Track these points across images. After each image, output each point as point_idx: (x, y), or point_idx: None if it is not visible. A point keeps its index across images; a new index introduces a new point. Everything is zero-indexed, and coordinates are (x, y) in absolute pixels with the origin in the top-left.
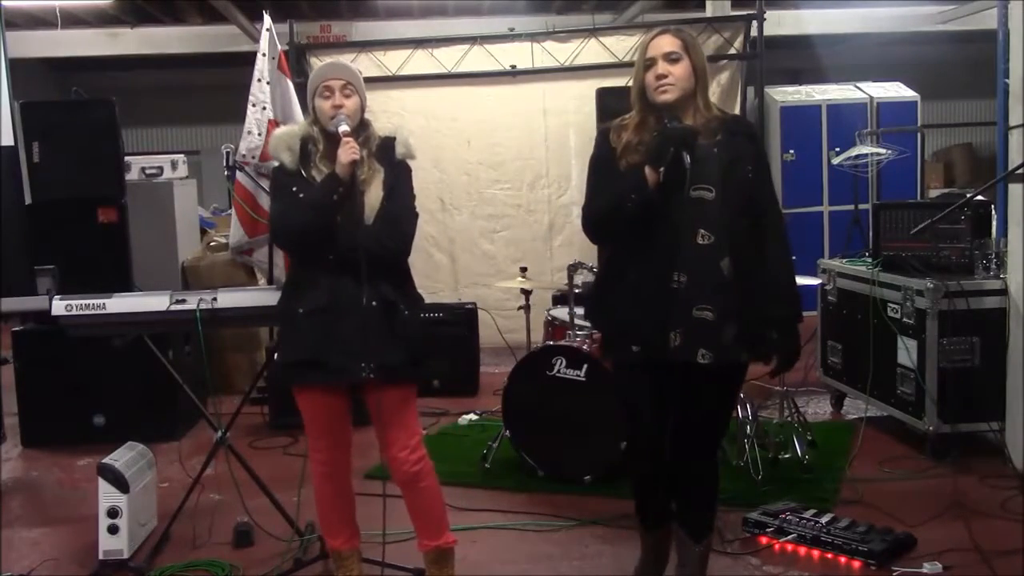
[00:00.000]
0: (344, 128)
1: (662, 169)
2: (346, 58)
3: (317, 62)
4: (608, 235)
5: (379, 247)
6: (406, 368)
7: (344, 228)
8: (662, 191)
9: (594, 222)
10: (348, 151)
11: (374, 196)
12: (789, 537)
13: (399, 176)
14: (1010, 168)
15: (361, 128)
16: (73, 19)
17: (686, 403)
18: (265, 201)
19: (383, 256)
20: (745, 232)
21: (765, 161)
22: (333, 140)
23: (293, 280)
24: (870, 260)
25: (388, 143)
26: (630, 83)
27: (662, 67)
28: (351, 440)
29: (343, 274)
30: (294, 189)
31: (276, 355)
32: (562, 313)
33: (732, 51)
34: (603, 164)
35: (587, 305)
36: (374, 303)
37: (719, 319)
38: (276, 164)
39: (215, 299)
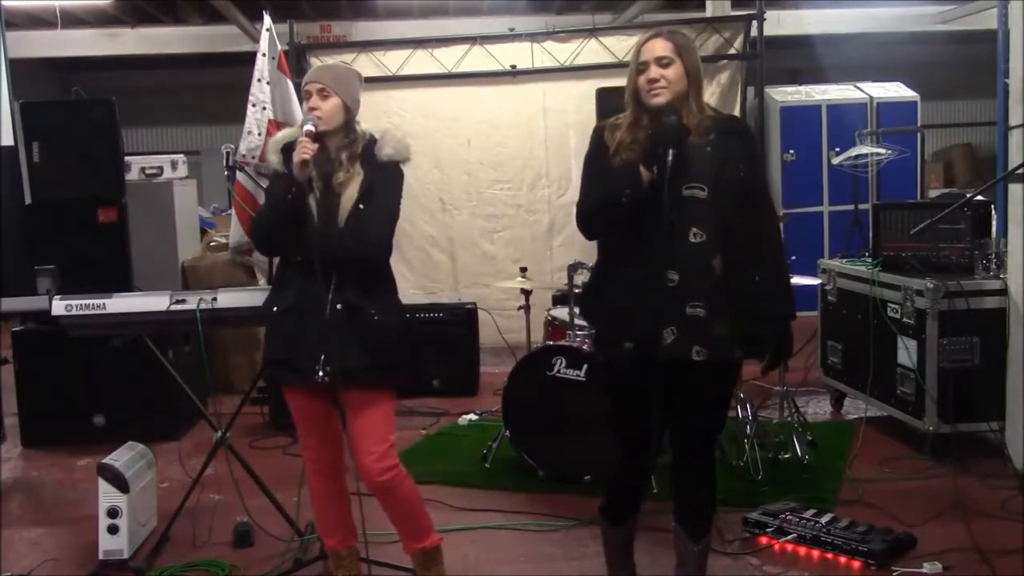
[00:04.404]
0: (308, 128)
1: (655, 167)
2: (346, 58)
3: (317, 62)
4: (601, 230)
5: (342, 250)
6: (368, 373)
7: (317, 230)
8: (654, 188)
9: (588, 217)
10: (299, 151)
11: (348, 199)
12: (789, 537)
13: (382, 178)
14: (1010, 168)
15: (345, 131)
16: (73, 19)
17: (681, 402)
18: None
19: (347, 260)
20: (737, 230)
21: (758, 161)
22: (317, 142)
23: (275, 279)
24: (870, 260)
25: (372, 145)
26: None
27: (654, 71)
28: (341, 438)
29: (312, 276)
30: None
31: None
32: (562, 313)
33: (732, 51)
34: (597, 161)
35: (582, 301)
36: (339, 306)
37: (711, 316)
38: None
39: (215, 299)
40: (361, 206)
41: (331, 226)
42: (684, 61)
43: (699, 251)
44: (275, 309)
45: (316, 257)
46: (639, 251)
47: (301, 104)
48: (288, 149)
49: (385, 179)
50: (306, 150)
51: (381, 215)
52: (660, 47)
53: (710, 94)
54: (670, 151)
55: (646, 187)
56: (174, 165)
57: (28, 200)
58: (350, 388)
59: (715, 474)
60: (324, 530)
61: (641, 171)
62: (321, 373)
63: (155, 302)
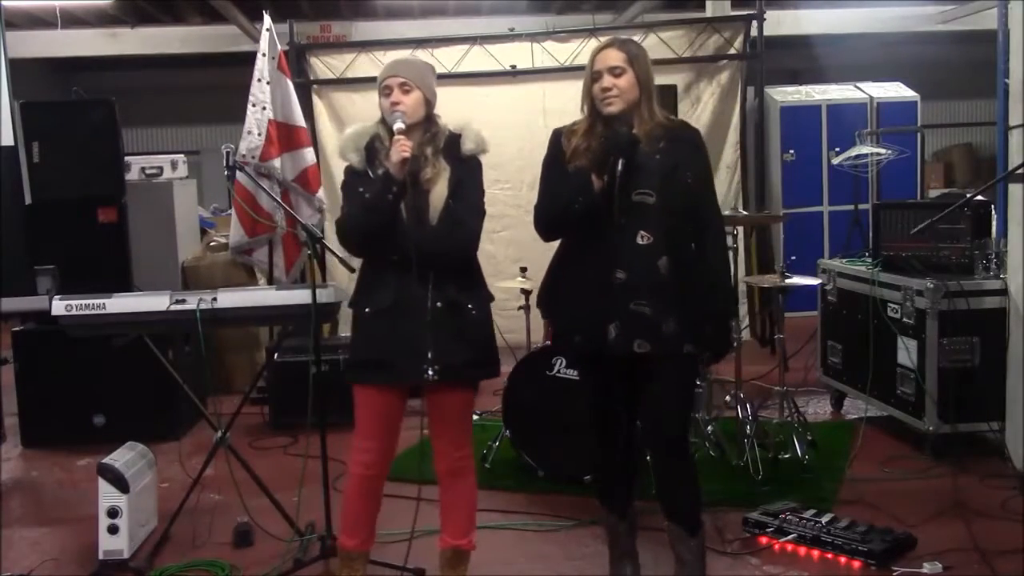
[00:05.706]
0: (399, 125)
1: (605, 176)
2: (346, 58)
3: (317, 62)
4: (556, 233)
5: (440, 248)
6: (470, 369)
7: (409, 228)
8: (605, 195)
9: (544, 221)
10: (398, 149)
11: (438, 195)
12: (789, 537)
13: (466, 173)
14: (1010, 168)
15: (427, 125)
16: (73, 19)
17: (640, 398)
18: (265, 201)
19: (444, 257)
20: (684, 233)
21: (707, 167)
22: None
23: (363, 280)
24: (870, 260)
25: (455, 139)
26: None
27: (607, 80)
28: (396, 445)
29: (408, 274)
30: (360, 189)
31: (275, 354)
32: None
33: (732, 51)
34: (554, 166)
35: (539, 297)
36: (439, 304)
37: (656, 314)
38: (347, 165)
39: (215, 299)
40: (451, 202)
41: (424, 223)
42: (636, 70)
43: (646, 252)
44: (367, 311)
45: (415, 256)
46: (590, 251)
47: (302, 104)
48: (370, 147)
49: (470, 173)
50: (405, 148)
51: (471, 210)
52: (613, 57)
53: (710, 94)
54: (620, 160)
55: (597, 194)
56: (174, 165)
57: (28, 200)
58: (453, 386)
59: (693, 467)
60: (348, 530)
61: (593, 179)
62: (431, 372)
63: (155, 302)
